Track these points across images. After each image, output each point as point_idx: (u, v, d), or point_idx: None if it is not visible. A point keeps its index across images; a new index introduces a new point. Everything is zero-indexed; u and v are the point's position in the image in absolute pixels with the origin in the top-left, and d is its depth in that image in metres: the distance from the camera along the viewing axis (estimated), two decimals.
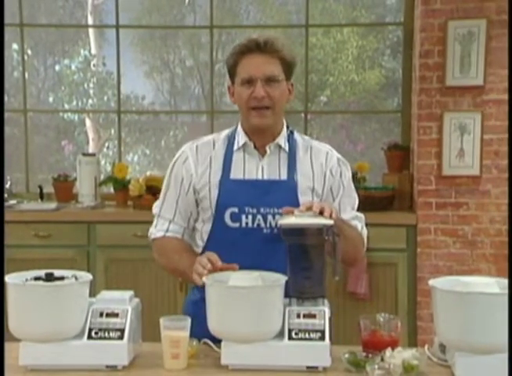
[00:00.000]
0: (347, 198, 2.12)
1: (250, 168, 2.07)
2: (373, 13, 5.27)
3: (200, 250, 2.10)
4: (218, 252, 1.93)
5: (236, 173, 2.06)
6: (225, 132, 2.14)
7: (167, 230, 2.13)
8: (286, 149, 2.08)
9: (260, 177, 2.06)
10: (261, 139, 2.07)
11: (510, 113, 3.79)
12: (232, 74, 2.06)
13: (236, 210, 2.01)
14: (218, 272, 1.85)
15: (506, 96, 3.81)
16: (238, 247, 1.99)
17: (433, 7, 3.88)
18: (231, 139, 2.10)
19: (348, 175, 2.15)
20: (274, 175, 2.06)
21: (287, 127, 2.13)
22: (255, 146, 2.08)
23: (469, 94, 3.88)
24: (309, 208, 1.85)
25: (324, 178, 2.08)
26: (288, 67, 2.03)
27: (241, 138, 2.08)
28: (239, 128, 2.11)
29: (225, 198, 2.03)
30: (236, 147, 2.08)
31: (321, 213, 1.84)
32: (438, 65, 3.89)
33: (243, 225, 2.01)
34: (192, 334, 1.82)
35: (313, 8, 4.85)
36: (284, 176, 2.05)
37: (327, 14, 5.51)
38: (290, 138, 2.11)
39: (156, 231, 2.15)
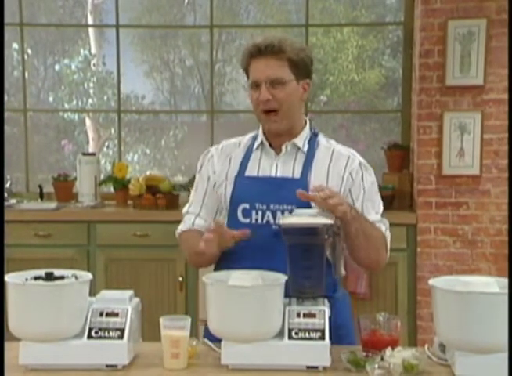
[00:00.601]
0: (370, 202, 2.10)
1: (265, 165, 2.10)
2: (373, 13, 5.28)
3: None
4: (232, 247, 2.00)
5: (251, 171, 2.09)
6: (251, 134, 2.19)
7: (192, 224, 2.16)
8: (305, 150, 2.09)
9: (273, 174, 2.08)
10: (278, 140, 2.10)
11: (510, 113, 3.79)
12: (247, 77, 2.09)
13: (247, 206, 2.03)
14: (229, 236, 1.92)
15: (506, 96, 3.81)
16: (249, 242, 2.01)
17: (433, 6, 3.88)
18: (253, 140, 2.15)
19: (371, 179, 2.12)
20: (287, 173, 2.07)
21: (311, 128, 2.14)
22: (271, 145, 2.11)
23: (469, 93, 3.88)
24: (320, 190, 1.85)
25: (342, 180, 2.07)
26: (297, 67, 2.03)
27: (260, 138, 2.13)
28: (260, 128, 2.15)
29: (238, 194, 2.06)
30: (255, 146, 2.12)
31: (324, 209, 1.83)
32: (438, 64, 3.89)
33: (253, 221, 2.03)
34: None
35: (313, 7, 4.85)
36: (297, 175, 2.06)
37: (327, 14, 5.51)
38: (312, 139, 2.11)
39: (182, 226, 2.19)
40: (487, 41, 3.83)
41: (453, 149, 3.90)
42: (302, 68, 2.05)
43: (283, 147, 2.09)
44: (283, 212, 2.00)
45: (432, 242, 3.93)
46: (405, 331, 3.80)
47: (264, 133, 2.12)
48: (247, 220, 2.04)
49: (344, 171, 2.08)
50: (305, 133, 2.11)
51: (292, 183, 2.02)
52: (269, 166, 2.09)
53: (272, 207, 2.02)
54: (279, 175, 2.07)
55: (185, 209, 2.21)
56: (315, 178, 2.04)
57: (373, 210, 2.10)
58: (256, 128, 2.17)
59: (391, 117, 4.86)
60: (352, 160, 2.10)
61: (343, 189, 2.06)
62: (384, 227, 2.10)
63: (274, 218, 2.01)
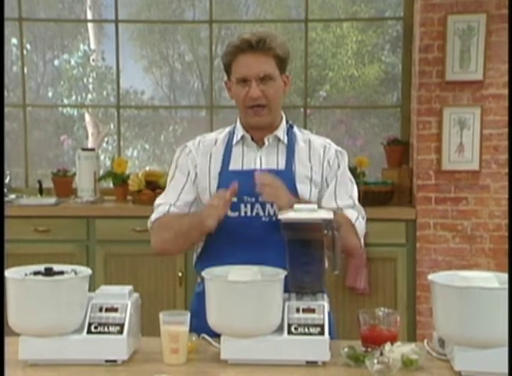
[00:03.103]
0: (344, 186, 2.12)
1: (249, 159, 2.10)
2: (372, 8, 5.27)
3: (201, 242, 2.11)
4: (219, 242, 2.02)
5: (234, 165, 2.09)
6: (227, 129, 2.18)
7: (167, 212, 2.11)
8: (285, 141, 2.11)
9: (258, 167, 2.08)
10: (258, 133, 2.11)
11: (510, 108, 3.79)
12: (227, 71, 2.09)
13: (235, 200, 2.02)
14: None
15: (505, 91, 3.81)
16: (238, 235, 2.02)
17: (432, 1, 3.87)
18: (231, 135, 2.14)
19: (344, 163, 2.15)
20: (272, 165, 2.09)
21: (287, 121, 2.16)
22: (253, 139, 2.12)
23: (468, 89, 3.87)
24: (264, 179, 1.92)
25: (322, 168, 2.11)
26: (282, 62, 2.05)
27: (239, 132, 2.12)
28: (238, 123, 2.15)
29: (224, 189, 2.04)
30: (235, 141, 2.12)
31: None
32: (438, 60, 3.89)
33: (242, 214, 2.04)
34: (192, 328, 1.84)
35: (312, 2, 4.84)
36: (282, 166, 2.08)
37: (327, 9, 5.51)
38: (290, 131, 2.15)
39: (155, 215, 2.12)
40: (486, 36, 3.82)
41: (453, 144, 3.89)
42: (286, 62, 2.07)
43: (266, 140, 2.10)
44: (272, 204, 2.01)
45: (431, 237, 3.93)
46: (405, 326, 3.80)
47: (243, 127, 2.12)
48: (236, 213, 2.04)
49: (323, 160, 2.11)
50: (283, 125, 2.13)
51: (278, 175, 2.03)
52: (253, 159, 2.09)
53: (260, 199, 2.02)
54: (263, 167, 2.08)
55: (157, 201, 2.15)
56: (299, 168, 2.08)
57: (347, 194, 2.12)
58: None
59: (391, 113, 4.86)
60: (329, 149, 2.14)
61: (324, 177, 2.10)
62: (355, 213, 2.10)
63: (263, 210, 2.03)
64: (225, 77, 2.12)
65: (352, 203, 2.12)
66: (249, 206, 2.03)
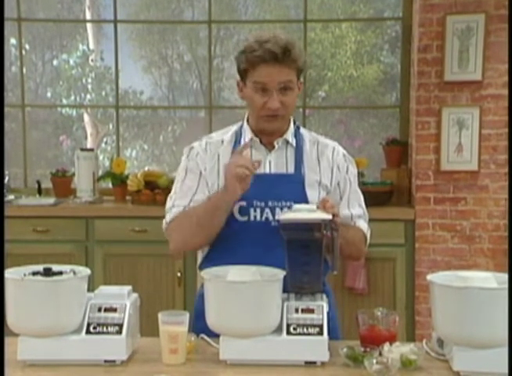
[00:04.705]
0: (355, 194, 2.16)
1: None
2: (371, 8, 5.27)
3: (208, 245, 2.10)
4: (228, 246, 2.01)
5: None
6: (233, 130, 2.16)
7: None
8: (294, 144, 2.11)
9: (267, 171, 2.08)
10: (268, 137, 2.10)
11: (510, 108, 3.79)
12: (243, 73, 2.04)
13: (244, 203, 2.02)
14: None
15: (504, 91, 3.81)
16: (246, 240, 2.01)
17: (431, 2, 3.88)
18: (238, 136, 2.13)
19: (354, 171, 2.17)
20: (281, 169, 2.08)
21: (294, 122, 2.15)
22: (261, 142, 2.10)
23: (467, 89, 3.88)
24: (326, 201, 1.90)
25: (331, 172, 2.11)
26: (300, 72, 2.04)
27: (247, 134, 2.11)
28: (245, 124, 2.13)
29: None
30: (242, 144, 2.09)
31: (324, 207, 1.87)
32: (437, 60, 3.89)
33: (252, 218, 2.03)
34: (196, 330, 1.85)
35: (311, 2, 4.84)
36: (291, 170, 2.08)
37: (326, 9, 5.51)
38: (297, 133, 2.14)
39: (168, 217, 2.10)
40: (485, 36, 3.82)
41: (451, 144, 3.90)
42: (302, 72, 2.06)
43: (275, 143, 2.09)
44: (281, 209, 2.00)
45: (430, 237, 3.93)
46: (403, 326, 3.81)
47: (252, 130, 2.10)
48: (245, 218, 2.03)
49: (332, 162, 2.12)
50: (291, 127, 2.13)
51: (288, 179, 2.03)
52: (262, 163, 2.07)
53: (270, 203, 2.02)
54: (273, 171, 2.08)
55: (169, 203, 2.11)
56: (308, 172, 2.07)
57: (357, 202, 2.17)
58: None
59: (390, 113, 4.86)
60: (337, 152, 2.15)
61: (333, 182, 2.11)
62: (365, 223, 2.18)
63: (273, 215, 2.02)
64: (237, 77, 2.07)
65: (362, 212, 2.17)
66: (258, 211, 2.02)
